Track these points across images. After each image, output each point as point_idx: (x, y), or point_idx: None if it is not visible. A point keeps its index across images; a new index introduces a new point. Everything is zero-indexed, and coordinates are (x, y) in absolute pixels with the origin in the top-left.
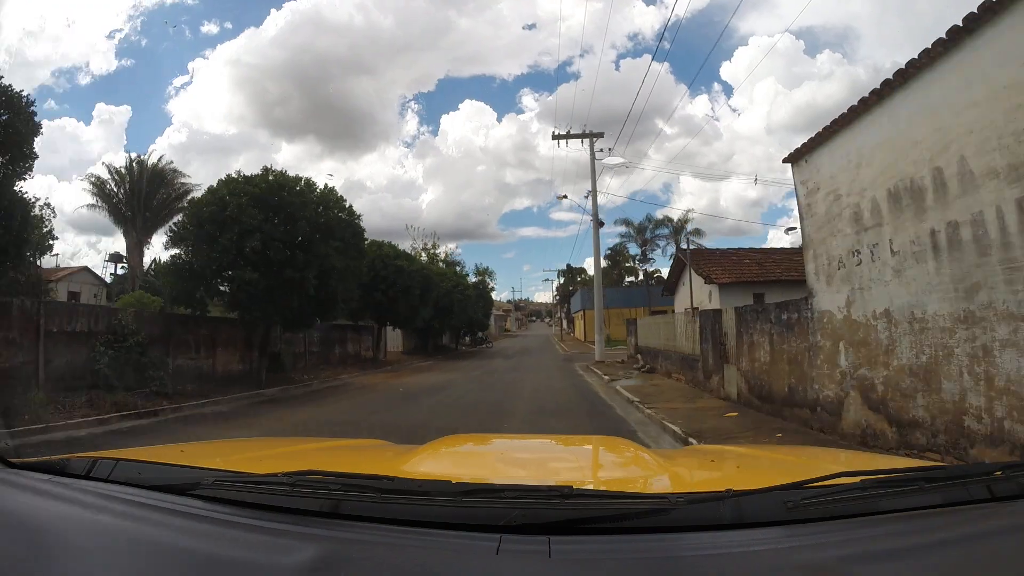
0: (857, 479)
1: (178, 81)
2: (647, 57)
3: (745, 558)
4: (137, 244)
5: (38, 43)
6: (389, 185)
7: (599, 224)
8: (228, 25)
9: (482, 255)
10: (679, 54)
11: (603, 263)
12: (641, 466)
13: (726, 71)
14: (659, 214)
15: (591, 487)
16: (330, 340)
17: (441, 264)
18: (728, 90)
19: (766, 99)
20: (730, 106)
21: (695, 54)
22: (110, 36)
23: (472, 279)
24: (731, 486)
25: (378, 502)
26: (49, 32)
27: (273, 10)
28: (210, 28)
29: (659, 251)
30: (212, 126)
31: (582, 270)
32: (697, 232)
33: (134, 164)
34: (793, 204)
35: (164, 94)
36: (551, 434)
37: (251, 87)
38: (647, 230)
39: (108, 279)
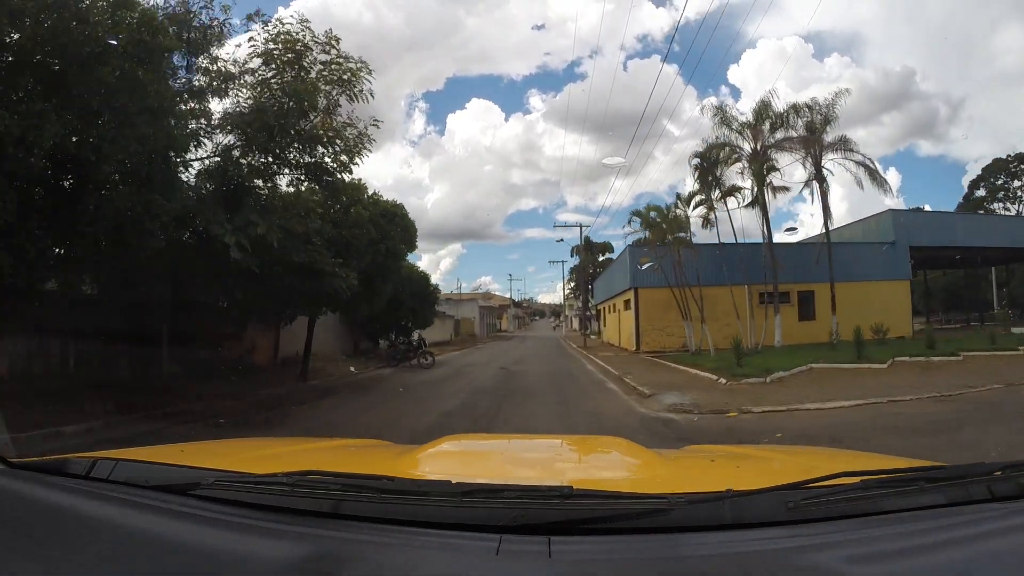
0: (857, 479)
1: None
2: (655, 58)
3: (745, 558)
4: None
5: None
6: (395, 184)
7: None
8: (236, 21)
9: (486, 256)
10: (687, 56)
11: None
12: (641, 466)
13: (734, 74)
14: (779, 104)
15: (591, 487)
16: None
17: None
18: (736, 93)
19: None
20: (739, 109)
21: (703, 56)
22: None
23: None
24: (731, 486)
25: (378, 502)
26: None
27: (280, 8)
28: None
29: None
30: None
31: (607, 246)
32: (844, 142)
33: None
34: (796, 208)
35: None
36: (551, 434)
37: None
38: (762, 127)
39: None
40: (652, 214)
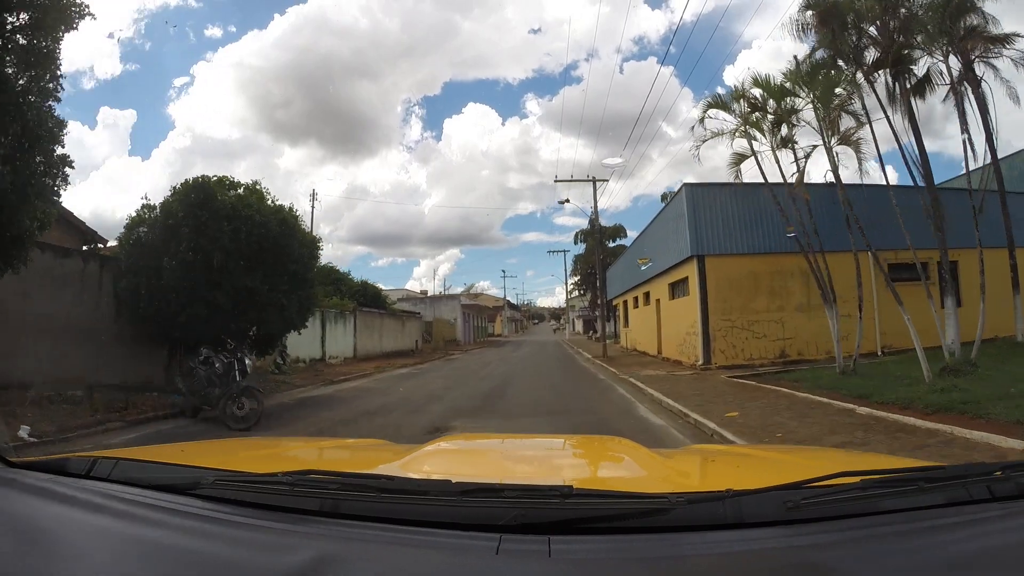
0: (857, 479)
1: (182, 84)
2: (651, 60)
3: (745, 558)
4: None
5: None
6: (392, 190)
7: None
8: (232, 28)
9: (485, 260)
10: (682, 57)
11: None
12: (641, 466)
13: (730, 75)
14: None
15: (591, 487)
16: None
17: None
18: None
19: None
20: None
21: (699, 57)
22: (112, 38)
23: None
24: (731, 486)
25: (378, 502)
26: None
27: (277, 14)
28: (214, 32)
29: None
30: (215, 130)
31: (618, 229)
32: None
33: None
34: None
35: (168, 97)
36: (551, 434)
37: (254, 90)
38: None
39: None
40: (755, 91)
